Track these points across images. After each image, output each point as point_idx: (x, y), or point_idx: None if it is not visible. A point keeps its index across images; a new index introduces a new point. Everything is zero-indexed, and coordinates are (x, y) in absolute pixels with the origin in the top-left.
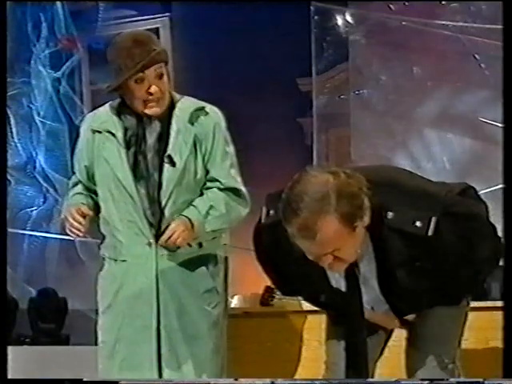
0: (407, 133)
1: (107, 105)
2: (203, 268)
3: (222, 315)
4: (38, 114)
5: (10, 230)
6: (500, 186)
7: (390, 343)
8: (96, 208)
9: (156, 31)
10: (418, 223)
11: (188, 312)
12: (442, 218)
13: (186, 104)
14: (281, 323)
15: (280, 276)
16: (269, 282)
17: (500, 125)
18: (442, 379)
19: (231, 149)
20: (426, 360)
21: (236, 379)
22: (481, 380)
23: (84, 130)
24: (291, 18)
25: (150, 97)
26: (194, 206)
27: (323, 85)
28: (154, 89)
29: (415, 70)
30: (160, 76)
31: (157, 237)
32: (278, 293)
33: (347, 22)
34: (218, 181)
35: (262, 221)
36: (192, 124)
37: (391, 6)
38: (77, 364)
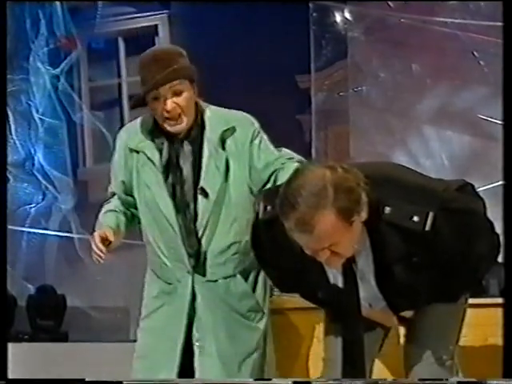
0: (406, 130)
1: (139, 121)
2: (242, 287)
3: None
4: (37, 111)
5: (8, 226)
6: (500, 182)
7: (388, 340)
8: (131, 221)
9: (154, 28)
10: (415, 218)
11: (237, 334)
12: (439, 213)
13: (214, 123)
14: (280, 320)
15: (277, 272)
16: None
17: (499, 122)
18: (441, 379)
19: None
20: (424, 356)
21: None
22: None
23: (120, 147)
24: (290, 15)
25: (167, 114)
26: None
27: (322, 82)
28: (169, 105)
29: (414, 67)
30: (178, 93)
31: (194, 267)
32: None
33: (346, 19)
34: (287, 159)
35: (260, 217)
36: (223, 148)
37: (390, 3)
38: (75, 361)
